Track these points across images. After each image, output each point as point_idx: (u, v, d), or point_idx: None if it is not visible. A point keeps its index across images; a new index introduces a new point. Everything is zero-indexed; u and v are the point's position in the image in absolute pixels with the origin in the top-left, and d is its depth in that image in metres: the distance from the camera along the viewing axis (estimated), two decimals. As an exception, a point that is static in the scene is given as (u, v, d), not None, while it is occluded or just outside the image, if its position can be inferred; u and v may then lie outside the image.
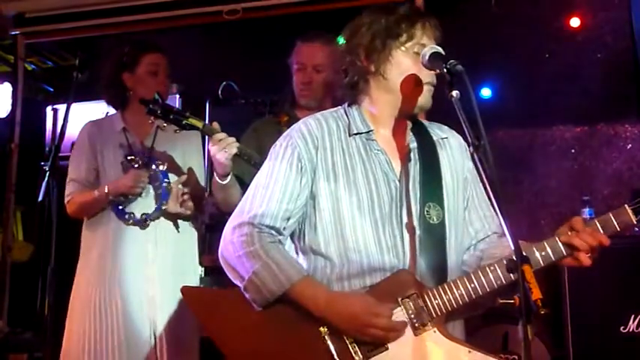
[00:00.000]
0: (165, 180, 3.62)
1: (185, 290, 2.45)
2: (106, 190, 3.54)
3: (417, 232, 2.26)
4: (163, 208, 3.58)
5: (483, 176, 1.93)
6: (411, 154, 2.37)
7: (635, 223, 2.22)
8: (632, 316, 3.61)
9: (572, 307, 3.72)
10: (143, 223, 3.58)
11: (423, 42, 2.29)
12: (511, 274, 2.04)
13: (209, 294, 2.47)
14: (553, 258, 2.20)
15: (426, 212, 2.28)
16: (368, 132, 2.36)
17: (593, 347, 3.62)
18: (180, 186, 3.57)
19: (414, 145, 2.39)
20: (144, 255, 3.57)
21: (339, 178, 2.30)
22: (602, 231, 2.18)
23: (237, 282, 2.25)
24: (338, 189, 2.29)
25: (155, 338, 3.52)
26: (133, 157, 3.63)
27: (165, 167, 3.65)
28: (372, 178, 2.30)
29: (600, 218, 2.23)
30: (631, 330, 3.60)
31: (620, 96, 5.19)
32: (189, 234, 3.77)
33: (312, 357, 2.19)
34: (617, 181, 5.44)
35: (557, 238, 2.20)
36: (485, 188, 1.96)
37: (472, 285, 2.19)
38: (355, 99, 2.43)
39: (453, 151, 2.46)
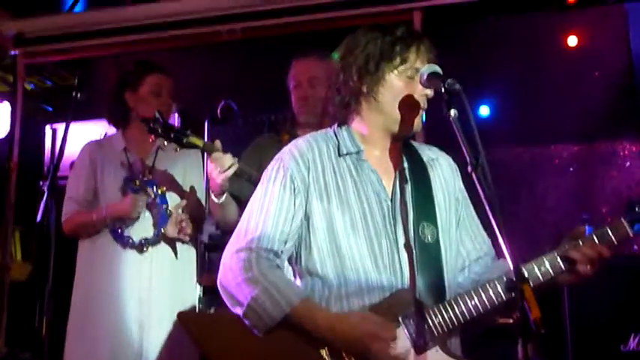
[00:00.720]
0: (164, 205, 3.61)
1: (182, 315, 2.44)
2: (104, 214, 3.55)
3: (413, 250, 2.26)
4: (162, 232, 3.58)
5: (482, 195, 1.93)
6: (403, 175, 2.37)
7: (631, 236, 2.24)
8: (632, 335, 3.60)
9: (572, 325, 3.72)
10: (141, 247, 3.58)
11: (417, 66, 2.31)
12: (513, 293, 2.09)
13: (206, 318, 2.46)
14: (552, 273, 2.22)
15: (420, 231, 2.28)
16: (358, 152, 2.36)
17: (593, 366, 3.61)
18: (179, 211, 3.57)
19: (405, 165, 2.39)
20: (139, 277, 3.57)
21: (331, 197, 2.30)
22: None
23: (236, 310, 2.23)
24: (331, 208, 2.29)
25: None
26: (132, 180, 3.62)
27: (165, 190, 3.65)
28: (364, 198, 2.30)
29: (597, 232, 2.26)
30: (631, 348, 3.60)
31: (619, 114, 5.20)
32: (187, 255, 3.76)
33: None
34: (616, 199, 5.43)
35: (555, 253, 2.22)
36: (483, 207, 1.96)
37: (472, 302, 2.20)
38: (346, 118, 2.44)
39: (444, 172, 2.48)
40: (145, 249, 3.58)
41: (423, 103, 2.33)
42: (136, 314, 3.53)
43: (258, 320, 2.18)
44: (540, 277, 2.21)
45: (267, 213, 2.30)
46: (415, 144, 2.52)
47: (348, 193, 2.30)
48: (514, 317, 1.77)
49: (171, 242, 3.64)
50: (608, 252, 2.22)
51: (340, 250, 2.25)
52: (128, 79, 3.76)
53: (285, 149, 2.41)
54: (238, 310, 2.22)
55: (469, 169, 1.97)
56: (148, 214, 3.62)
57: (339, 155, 2.37)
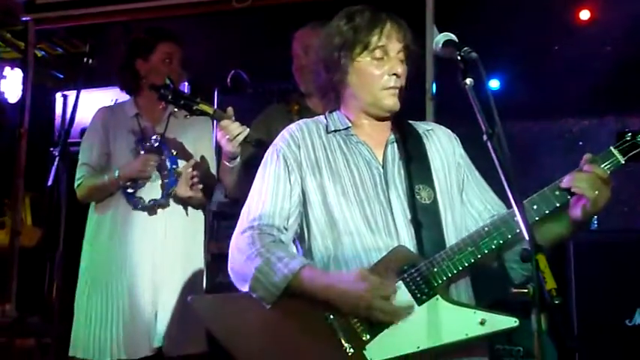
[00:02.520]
0: (174, 166, 3.62)
1: (194, 301, 2.44)
2: (117, 175, 3.54)
3: (409, 211, 2.28)
4: (172, 192, 3.58)
5: (497, 163, 1.91)
6: (394, 144, 2.41)
7: (623, 163, 2.21)
8: (638, 310, 3.61)
9: (578, 301, 3.72)
10: (151, 208, 3.58)
11: (381, 44, 2.33)
12: (509, 236, 2.14)
13: (217, 301, 2.47)
14: (546, 209, 2.20)
15: (416, 193, 2.30)
16: (346, 128, 2.42)
17: (599, 340, 3.62)
18: (189, 170, 3.56)
19: (396, 136, 2.43)
20: (153, 241, 3.58)
21: (322, 171, 2.35)
22: None
23: (244, 288, 2.26)
24: (323, 181, 2.34)
25: (156, 323, 3.53)
26: (144, 141, 3.62)
27: (176, 153, 3.65)
28: (354, 167, 2.35)
29: (589, 164, 2.21)
30: (637, 323, 3.60)
31: (629, 89, 5.14)
32: (197, 221, 3.78)
33: (322, 345, 2.19)
34: (623, 173, 5.39)
35: (547, 189, 2.21)
36: (497, 176, 1.93)
37: (469, 249, 2.20)
38: (332, 106, 2.50)
39: (441, 140, 2.50)
40: (154, 210, 3.59)
41: (395, 83, 2.35)
42: (149, 276, 3.55)
43: (265, 291, 2.21)
44: (535, 216, 2.19)
45: (265, 193, 2.36)
46: (412, 122, 2.54)
47: (339, 165, 2.36)
48: (528, 288, 1.74)
49: (182, 204, 3.66)
50: (604, 174, 2.17)
51: (334, 217, 2.29)
52: (140, 46, 3.75)
53: (279, 136, 2.47)
54: (246, 288, 2.25)
55: (484, 137, 1.94)
56: (158, 176, 3.62)
57: (328, 132, 2.43)
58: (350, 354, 2.16)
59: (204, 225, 3.83)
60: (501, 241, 2.19)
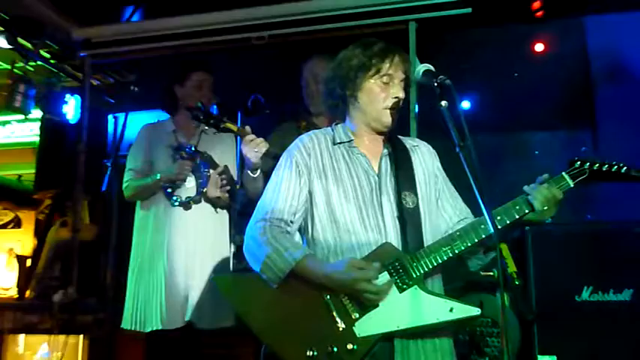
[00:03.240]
0: (205, 170, 3.64)
1: (218, 280, 2.46)
2: (158, 178, 3.57)
3: (396, 214, 2.30)
4: (204, 191, 3.61)
5: (467, 170, 1.92)
6: (387, 157, 2.43)
7: (572, 186, 2.23)
8: (585, 288, 3.61)
9: (536, 281, 3.70)
10: (187, 204, 3.60)
11: (390, 73, 2.35)
12: (475, 240, 2.16)
13: (237, 280, 2.50)
14: (508, 221, 2.23)
15: (402, 199, 2.31)
16: (349, 141, 2.43)
17: (553, 312, 3.61)
18: (217, 175, 3.60)
19: (389, 150, 2.44)
20: (187, 233, 3.60)
21: (328, 176, 2.36)
22: None
23: (256, 268, 2.29)
24: (328, 185, 2.35)
25: (188, 301, 3.53)
26: (180, 150, 3.65)
27: (207, 159, 3.68)
28: (354, 174, 2.36)
29: (547, 183, 2.23)
30: (584, 299, 3.61)
31: (577, 108, 5.17)
32: (223, 218, 3.80)
33: (319, 320, 2.22)
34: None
35: (509, 203, 2.25)
36: (468, 182, 1.94)
37: (444, 248, 2.23)
38: (338, 119, 2.51)
39: (424, 155, 2.51)
40: (189, 206, 3.60)
41: (394, 104, 2.36)
42: (183, 262, 3.57)
43: (272, 274, 2.24)
44: (498, 226, 2.21)
45: (278, 191, 2.38)
46: (401, 137, 2.55)
47: (342, 172, 2.37)
48: (493, 272, 1.75)
49: (212, 204, 3.68)
50: (559, 195, 2.21)
51: (335, 216, 2.31)
52: (176, 74, 3.77)
53: (292, 144, 2.48)
54: (257, 268, 2.28)
55: (457, 149, 1.96)
56: (192, 178, 3.65)
57: (334, 144, 2.43)
58: (342, 329, 2.19)
59: (229, 221, 3.84)
60: (469, 244, 2.22)
